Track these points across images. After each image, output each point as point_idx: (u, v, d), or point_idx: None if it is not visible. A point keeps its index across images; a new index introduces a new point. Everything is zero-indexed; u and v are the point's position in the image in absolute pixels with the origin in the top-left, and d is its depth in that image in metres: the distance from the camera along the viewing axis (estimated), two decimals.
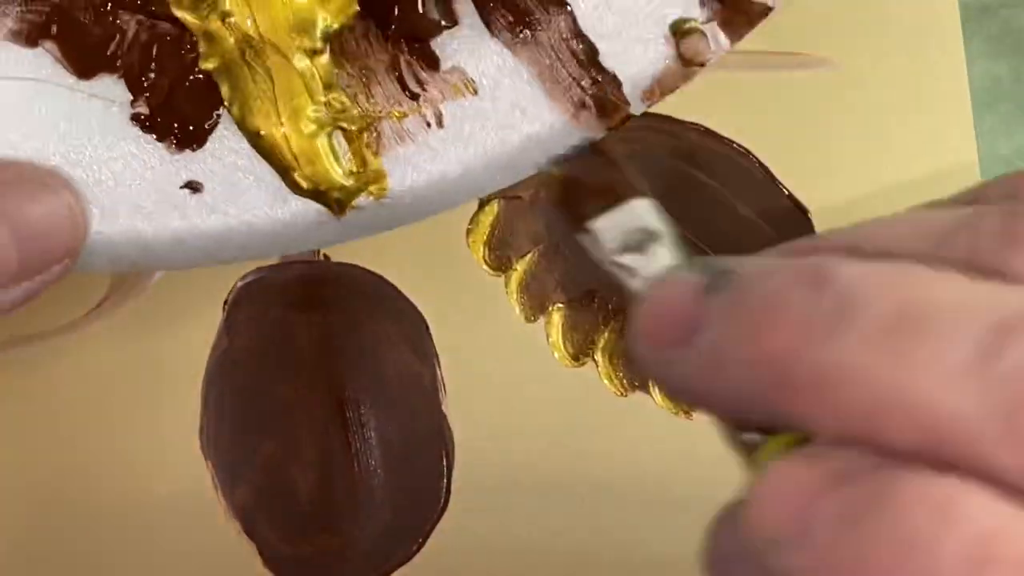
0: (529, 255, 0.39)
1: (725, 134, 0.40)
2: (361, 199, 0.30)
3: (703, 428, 0.38)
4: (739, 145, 0.39)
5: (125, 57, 0.30)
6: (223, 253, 0.31)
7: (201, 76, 0.30)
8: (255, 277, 0.39)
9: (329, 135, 0.30)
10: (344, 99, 0.30)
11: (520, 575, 0.38)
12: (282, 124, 0.30)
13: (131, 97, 0.30)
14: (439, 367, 0.38)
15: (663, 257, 0.26)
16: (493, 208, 0.39)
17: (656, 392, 0.39)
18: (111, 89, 0.30)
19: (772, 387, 0.19)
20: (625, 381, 0.39)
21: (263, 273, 0.39)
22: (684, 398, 0.22)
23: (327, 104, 0.30)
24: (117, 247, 0.30)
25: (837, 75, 0.39)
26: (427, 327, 0.39)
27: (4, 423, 0.38)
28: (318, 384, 0.38)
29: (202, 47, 0.30)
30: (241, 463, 0.37)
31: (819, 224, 0.39)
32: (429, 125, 0.30)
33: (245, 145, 0.30)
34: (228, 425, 0.38)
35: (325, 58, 0.30)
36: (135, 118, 0.30)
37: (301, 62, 0.30)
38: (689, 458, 0.38)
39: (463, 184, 0.30)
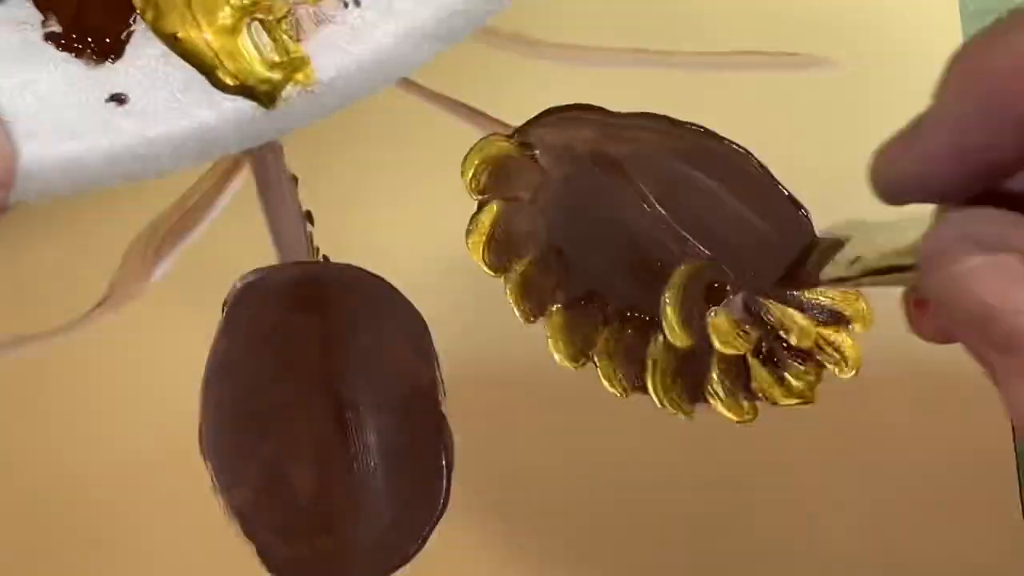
0: (528, 256, 0.39)
1: (724, 134, 0.40)
2: (289, 89, 0.30)
3: (702, 428, 0.38)
4: (738, 145, 0.39)
5: None
6: (159, 162, 0.30)
7: None
8: (254, 278, 0.39)
9: (248, 28, 0.30)
10: None
11: (519, 575, 0.38)
12: (198, 23, 0.30)
13: (41, 17, 0.29)
14: (439, 368, 0.38)
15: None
16: (492, 209, 0.39)
17: (656, 394, 0.39)
18: (20, 11, 0.29)
19: None
20: (624, 382, 0.39)
21: (262, 274, 0.39)
22: None
23: None
24: (51, 171, 0.30)
25: (836, 75, 0.39)
26: (426, 328, 0.39)
27: (3, 424, 0.38)
28: (317, 385, 0.38)
29: None
30: (240, 464, 0.37)
31: (818, 224, 0.39)
32: (347, 5, 0.30)
33: (165, 50, 0.30)
34: (227, 426, 0.38)
35: None
36: (48, 37, 0.30)
37: None
38: (689, 458, 0.38)
39: (392, 60, 0.30)
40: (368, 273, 0.39)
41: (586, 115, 0.40)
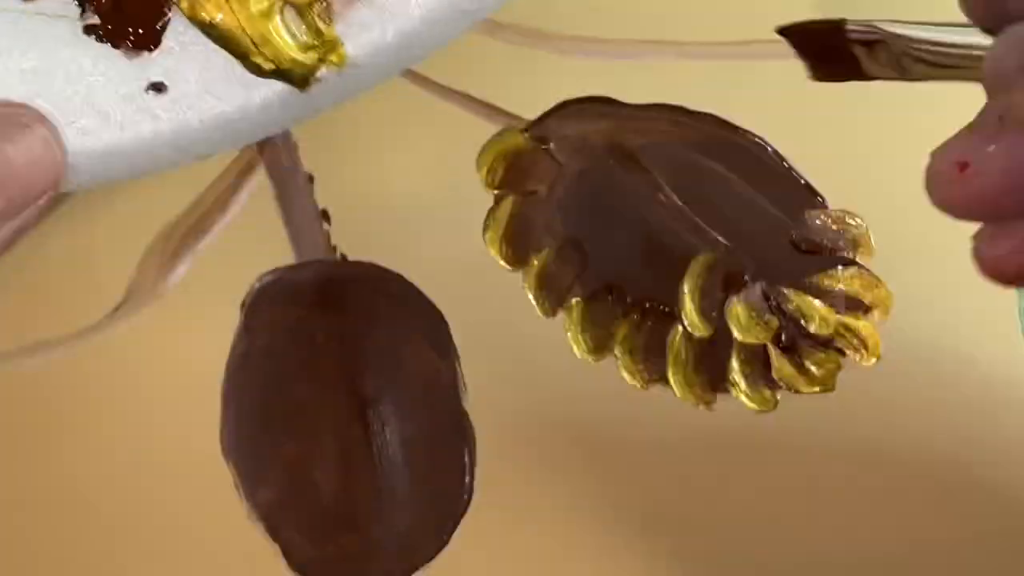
0: (546, 249, 0.39)
1: (739, 124, 0.39)
2: (323, 71, 0.30)
3: (724, 419, 0.38)
4: (753, 134, 0.39)
5: None
6: (199, 147, 0.31)
7: None
8: (273, 278, 0.39)
9: (281, 12, 0.30)
10: None
11: (542, 573, 0.38)
12: (233, 9, 0.30)
13: (79, 9, 0.30)
14: (459, 364, 0.38)
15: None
16: (509, 203, 0.39)
17: (677, 385, 0.39)
18: (58, 5, 0.30)
19: None
20: (645, 374, 0.39)
21: (280, 274, 0.39)
22: None
23: None
24: (96, 162, 0.30)
25: None
26: (446, 324, 0.38)
27: (26, 428, 0.38)
28: (338, 384, 0.38)
29: None
30: (263, 464, 0.37)
31: None
32: None
33: (201, 38, 0.30)
34: (249, 427, 0.38)
35: None
36: (88, 29, 0.30)
37: None
38: (711, 449, 0.38)
39: (424, 35, 0.30)
40: (386, 270, 0.39)
41: (600, 107, 0.39)
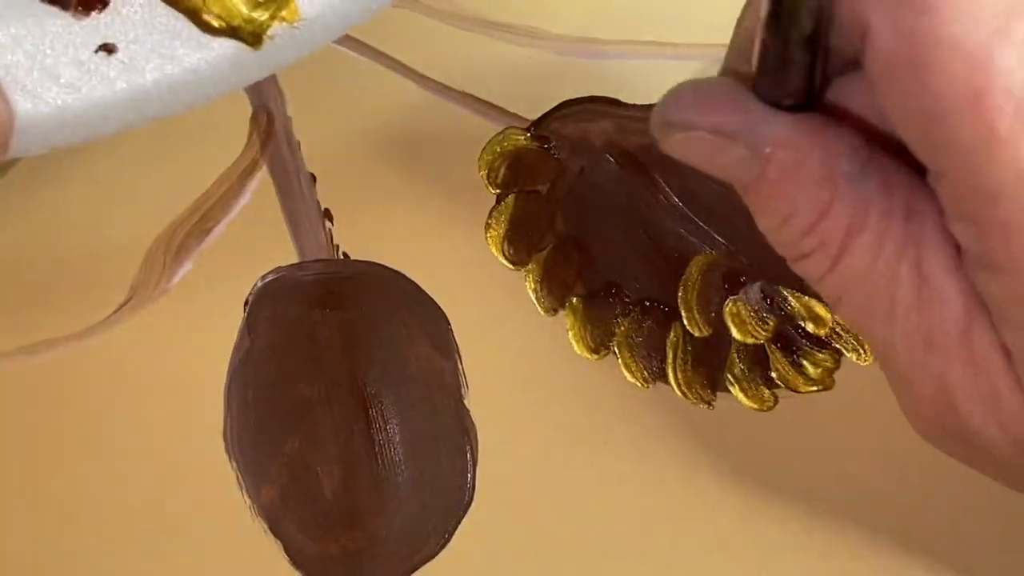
0: (547, 249, 0.39)
1: None
2: (275, 27, 0.30)
3: (724, 419, 0.39)
4: None
5: None
6: (151, 108, 0.31)
7: None
8: (275, 276, 0.39)
9: None
10: None
11: (543, 572, 0.38)
12: None
13: None
14: (460, 362, 0.38)
15: None
16: (510, 202, 0.39)
17: (676, 384, 0.39)
18: None
19: None
20: (645, 372, 0.39)
21: (283, 272, 0.39)
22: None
23: None
24: (46, 125, 0.30)
25: None
26: (448, 323, 0.39)
27: (29, 428, 0.38)
28: (340, 382, 0.38)
29: None
30: (265, 462, 0.38)
31: None
32: None
33: None
34: (251, 425, 0.38)
35: None
36: None
37: None
38: (712, 449, 0.38)
39: None
40: (389, 269, 0.39)
41: (601, 107, 0.40)
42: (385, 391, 0.38)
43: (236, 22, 0.30)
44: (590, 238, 0.39)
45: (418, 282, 0.39)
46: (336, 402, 0.38)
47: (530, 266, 0.39)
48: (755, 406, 0.39)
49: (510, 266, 0.39)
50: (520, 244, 0.39)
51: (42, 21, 0.30)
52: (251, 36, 0.30)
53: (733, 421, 0.39)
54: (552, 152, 0.40)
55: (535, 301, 0.39)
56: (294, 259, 0.39)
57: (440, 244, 0.39)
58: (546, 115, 0.40)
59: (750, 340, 0.39)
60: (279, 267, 0.39)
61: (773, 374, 0.39)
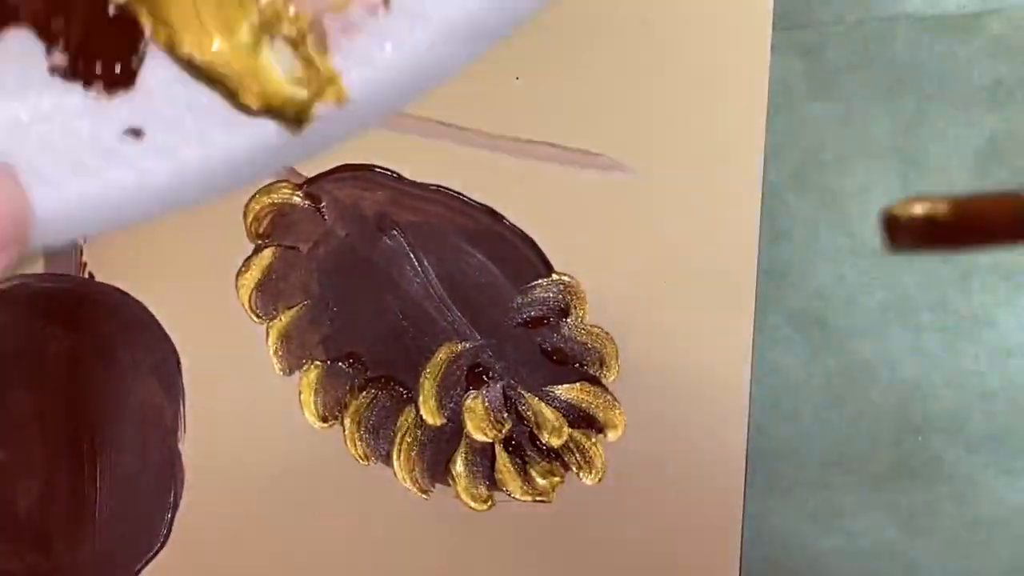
0: (296, 307, 0.39)
1: (515, 219, 0.39)
2: (320, 108, 0.27)
3: (441, 511, 0.38)
4: (524, 232, 0.39)
5: (28, 4, 0.26)
6: (182, 196, 0.27)
7: (116, 8, 0.26)
8: (17, 282, 0.38)
9: (270, 44, 0.27)
10: (277, 4, 0.27)
11: None
12: (216, 44, 0.27)
13: (44, 48, 0.26)
14: (184, 404, 0.38)
15: None
16: (267, 255, 0.39)
17: (398, 466, 0.39)
18: (22, 43, 0.26)
19: None
20: (368, 450, 0.39)
21: (24, 280, 0.38)
22: None
23: (260, 10, 0.27)
24: (68, 215, 0.26)
25: (633, 182, 0.39)
26: (179, 363, 0.38)
27: None
28: (59, 400, 0.38)
29: None
30: None
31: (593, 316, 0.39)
32: (375, 12, 0.27)
33: (182, 74, 0.27)
34: None
35: None
36: (54, 70, 0.26)
37: None
38: (429, 521, 0.38)
39: (426, 67, 0.26)
40: (130, 297, 0.38)
41: (380, 177, 0.39)
42: (102, 419, 0.38)
43: (276, 102, 0.27)
44: (342, 305, 0.39)
45: (160, 316, 0.38)
46: (52, 420, 0.37)
47: (275, 321, 0.39)
48: (471, 503, 0.39)
49: (255, 318, 0.39)
50: (269, 298, 0.39)
51: (62, 100, 0.27)
52: (293, 117, 0.27)
53: (450, 517, 0.39)
54: (321, 213, 0.39)
55: (273, 357, 0.39)
56: (40, 269, 0.38)
57: (192, 283, 0.38)
58: (322, 174, 0.39)
59: (481, 437, 0.39)
60: (22, 274, 0.38)
61: (496, 475, 0.39)
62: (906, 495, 0.39)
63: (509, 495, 0.39)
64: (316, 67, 0.26)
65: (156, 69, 0.26)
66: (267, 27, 0.26)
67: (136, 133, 0.26)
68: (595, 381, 0.39)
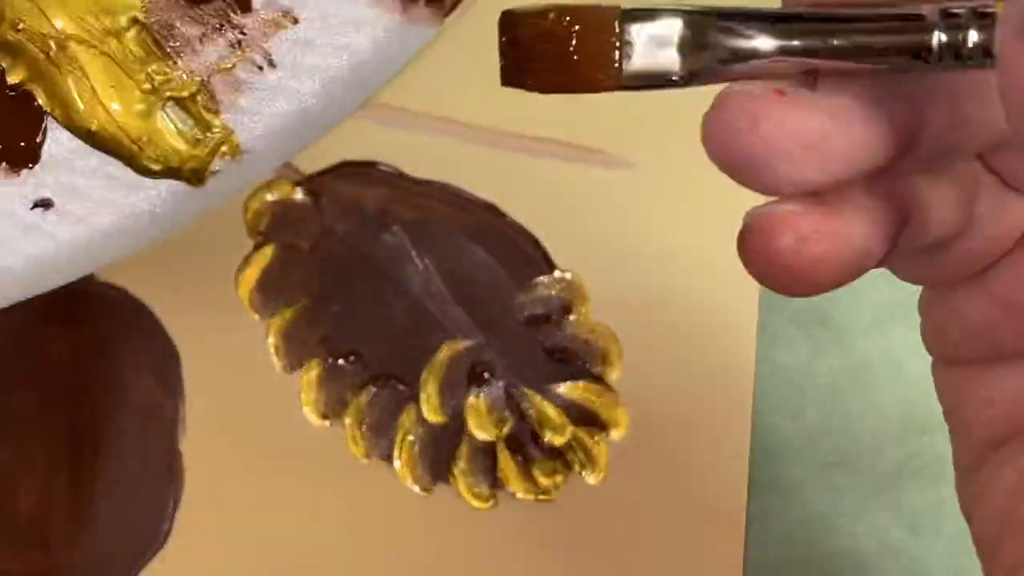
0: (297, 305, 0.39)
1: (517, 216, 0.39)
2: (217, 163, 0.28)
3: (443, 507, 0.38)
4: (526, 229, 0.39)
5: None
6: (96, 258, 0.28)
7: (13, 91, 0.28)
8: None
9: (162, 108, 0.28)
10: (166, 69, 0.28)
11: None
12: (111, 114, 0.28)
13: None
14: (183, 404, 0.38)
15: None
16: (267, 252, 0.39)
17: (400, 464, 0.39)
18: None
19: None
20: (369, 447, 0.38)
21: None
22: None
23: (149, 79, 0.28)
24: None
25: (635, 177, 0.39)
26: (179, 361, 0.38)
27: None
28: (59, 399, 0.37)
29: (4, 62, 0.28)
30: None
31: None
32: (261, 68, 0.28)
33: (83, 146, 0.28)
34: None
35: (133, 33, 0.28)
36: None
37: (110, 45, 0.28)
38: (430, 520, 0.38)
39: (314, 116, 0.28)
40: (130, 297, 0.38)
41: (381, 174, 0.39)
42: (101, 419, 0.37)
43: (175, 163, 0.28)
44: (343, 303, 0.39)
45: (159, 314, 0.38)
46: (51, 418, 0.37)
47: (275, 319, 0.39)
48: (473, 502, 0.38)
49: (255, 315, 0.39)
50: (270, 295, 0.39)
51: None
52: (192, 174, 0.28)
53: (452, 515, 0.39)
54: (321, 209, 0.39)
55: (274, 355, 0.38)
56: None
57: (191, 281, 0.38)
58: (323, 171, 0.39)
59: (483, 436, 0.38)
60: None
61: (498, 473, 0.39)
62: (911, 495, 0.38)
63: (511, 494, 0.38)
64: (209, 125, 0.27)
65: (58, 141, 0.27)
66: (158, 92, 0.27)
67: (45, 204, 0.27)
68: (598, 379, 0.39)
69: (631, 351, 0.39)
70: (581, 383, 0.39)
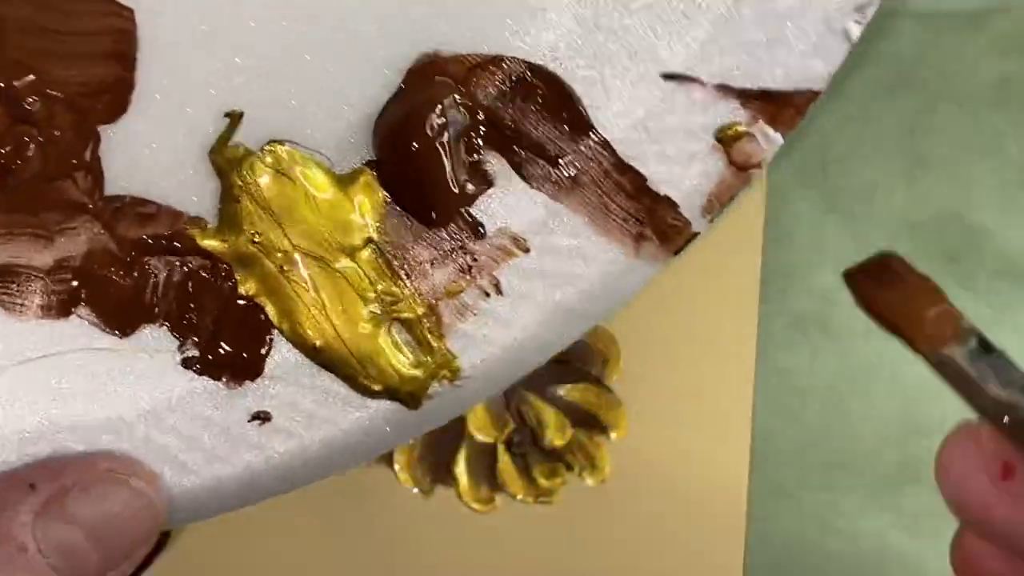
0: None
1: None
2: (435, 386, 0.28)
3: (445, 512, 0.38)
4: None
5: (162, 303, 0.27)
6: (306, 475, 0.28)
7: (244, 302, 0.27)
8: None
9: (388, 329, 0.28)
10: (395, 290, 0.28)
11: None
12: (337, 331, 0.28)
13: (178, 342, 0.27)
14: None
15: None
16: None
17: (399, 466, 0.39)
18: (155, 339, 0.27)
19: None
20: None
21: None
22: None
23: (378, 300, 0.28)
24: (197, 500, 0.28)
25: None
26: None
27: None
28: None
29: (238, 273, 0.27)
30: None
31: None
32: (488, 295, 0.28)
33: (306, 361, 0.28)
34: None
35: (367, 253, 0.28)
36: (186, 363, 0.27)
37: (343, 263, 0.28)
38: (431, 522, 0.38)
39: (537, 345, 0.28)
40: None
41: None
42: None
43: (394, 384, 0.28)
44: None
45: None
46: None
47: None
48: (473, 504, 0.39)
49: None
50: None
51: (192, 394, 0.27)
52: (409, 397, 0.28)
53: (453, 519, 0.39)
54: None
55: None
56: None
57: None
58: None
59: (482, 438, 0.39)
60: None
61: (498, 475, 0.39)
62: (911, 497, 0.39)
63: (511, 496, 0.39)
64: (432, 349, 0.27)
65: (281, 355, 0.27)
66: (386, 313, 0.27)
67: (262, 417, 0.27)
68: (598, 381, 0.39)
69: (630, 353, 0.39)
70: (581, 385, 0.39)
